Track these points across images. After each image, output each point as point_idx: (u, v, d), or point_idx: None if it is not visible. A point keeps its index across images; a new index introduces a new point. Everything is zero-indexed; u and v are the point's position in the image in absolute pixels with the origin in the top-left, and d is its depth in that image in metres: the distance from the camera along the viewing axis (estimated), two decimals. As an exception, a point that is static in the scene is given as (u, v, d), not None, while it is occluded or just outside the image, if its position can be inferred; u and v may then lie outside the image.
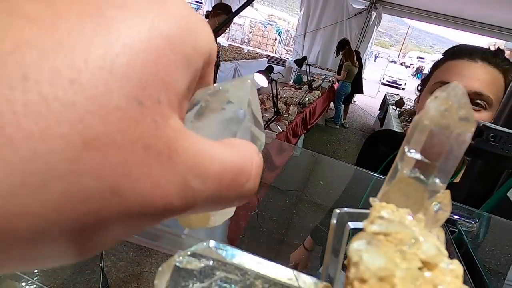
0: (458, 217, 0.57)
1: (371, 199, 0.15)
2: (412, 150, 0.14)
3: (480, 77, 0.72)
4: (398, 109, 5.13)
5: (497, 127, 0.52)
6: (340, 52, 5.75)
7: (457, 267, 0.12)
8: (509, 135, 0.51)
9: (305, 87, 4.53)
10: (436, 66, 0.82)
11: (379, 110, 6.77)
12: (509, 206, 0.72)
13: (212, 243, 0.20)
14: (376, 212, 0.13)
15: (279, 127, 2.93)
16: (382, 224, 0.13)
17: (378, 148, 0.98)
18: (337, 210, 0.16)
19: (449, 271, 0.12)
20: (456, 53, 0.79)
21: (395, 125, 4.27)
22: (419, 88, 0.88)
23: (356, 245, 0.12)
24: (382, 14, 7.16)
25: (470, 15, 6.42)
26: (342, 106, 6.05)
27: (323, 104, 5.02)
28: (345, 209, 0.15)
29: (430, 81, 0.81)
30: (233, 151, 0.13)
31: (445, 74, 0.76)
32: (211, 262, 0.19)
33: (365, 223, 0.13)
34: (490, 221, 0.66)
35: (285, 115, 3.21)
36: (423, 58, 38.95)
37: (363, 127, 6.81)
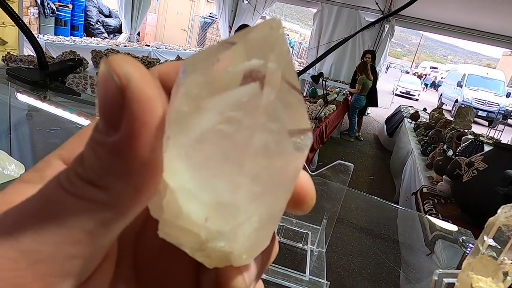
0: None
1: (468, 272, 0.23)
2: (488, 239, 0.23)
3: None
4: (413, 122, 5.14)
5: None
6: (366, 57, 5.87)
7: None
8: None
9: (320, 101, 4.60)
10: None
11: (385, 123, 6.72)
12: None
13: None
14: (476, 283, 0.22)
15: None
16: None
17: None
18: (437, 271, 0.24)
19: None
20: None
21: (410, 139, 4.28)
22: None
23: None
24: (395, 26, 7.23)
25: (484, 27, 6.42)
26: (356, 118, 6.09)
27: (338, 117, 5.08)
28: (442, 270, 0.24)
29: None
30: None
31: None
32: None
33: (463, 285, 0.22)
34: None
35: (303, 131, 3.27)
36: (436, 68, 38.64)
37: (378, 140, 6.81)
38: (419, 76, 32.29)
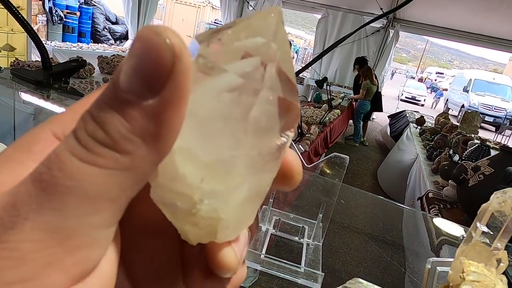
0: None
1: (461, 258, 0.23)
2: (481, 225, 0.23)
3: None
4: (419, 127, 5.11)
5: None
6: (355, 67, 5.86)
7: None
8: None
9: (325, 105, 4.60)
10: None
11: (389, 117, 6.70)
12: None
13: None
14: (467, 267, 0.21)
15: (301, 147, 3.00)
16: (475, 275, 0.21)
17: None
18: (430, 259, 0.24)
19: None
20: None
21: (416, 144, 4.26)
22: None
23: (465, 287, 0.20)
24: (400, 31, 7.23)
25: (490, 31, 6.39)
26: (361, 123, 6.07)
27: (342, 123, 5.07)
28: (435, 258, 0.23)
29: None
30: None
31: None
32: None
33: (456, 272, 0.21)
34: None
35: (307, 135, 3.28)
36: (442, 74, 38.38)
37: (383, 145, 6.78)
38: (420, 80, 32.01)
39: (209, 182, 0.14)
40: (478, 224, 0.22)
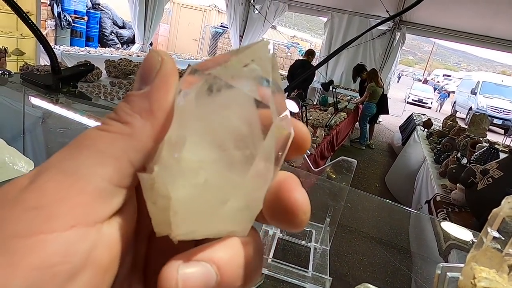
0: None
1: (472, 264, 0.22)
2: (492, 231, 0.22)
3: None
4: (426, 130, 5.06)
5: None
6: (358, 77, 5.86)
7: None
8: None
9: (331, 108, 4.58)
10: None
11: (400, 128, 6.67)
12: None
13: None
14: (479, 273, 0.21)
15: (307, 150, 2.99)
16: (486, 282, 0.21)
17: None
18: (440, 264, 0.23)
19: None
20: None
21: (423, 147, 4.22)
22: None
23: (476, 295, 0.20)
24: (406, 34, 7.19)
25: (498, 33, 6.32)
26: (368, 126, 6.04)
27: (348, 125, 5.05)
28: (445, 264, 0.23)
29: None
30: None
31: None
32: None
33: (467, 278, 0.21)
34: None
35: (313, 138, 3.27)
36: (449, 76, 37.98)
37: (389, 148, 6.73)
38: (424, 82, 31.62)
39: (168, 159, 0.16)
40: (489, 229, 0.22)
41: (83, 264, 0.14)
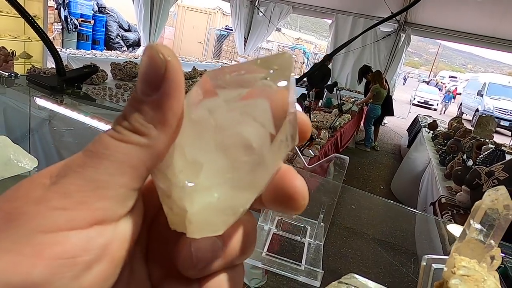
0: (504, 255, 0.63)
1: (454, 254, 0.23)
2: (475, 223, 0.23)
3: None
4: (431, 131, 5.03)
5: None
6: (363, 78, 5.84)
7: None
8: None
9: (335, 110, 4.58)
10: None
11: (407, 131, 6.64)
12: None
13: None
14: (459, 262, 0.22)
15: (311, 152, 2.99)
16: (465, 270, 0.21)
17: None
18: (426, 256, 0.24)
19: None
20: None
21: (428, 148, 4.19)
22: None
23: (454, 281, 0.21)
24: (411, 35, 7.16)
25: (505, 34, 6.26)
26: (372, 128, 6.01)
27: (353, 127, 5.04)
28: (430, 255, 0.24)
29: None
30: None
31: None
32: None
33: (449, 269, 0.22)
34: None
35: (317, 140, 3.27)
36: (456, 78, 37.62)
37: (395, 150, 6.70)
38: (427, 82, 31.27)
39: (184, 175, 0.17)
40: (471, 222, 0.23)
41: (100, 257, 0.16)
